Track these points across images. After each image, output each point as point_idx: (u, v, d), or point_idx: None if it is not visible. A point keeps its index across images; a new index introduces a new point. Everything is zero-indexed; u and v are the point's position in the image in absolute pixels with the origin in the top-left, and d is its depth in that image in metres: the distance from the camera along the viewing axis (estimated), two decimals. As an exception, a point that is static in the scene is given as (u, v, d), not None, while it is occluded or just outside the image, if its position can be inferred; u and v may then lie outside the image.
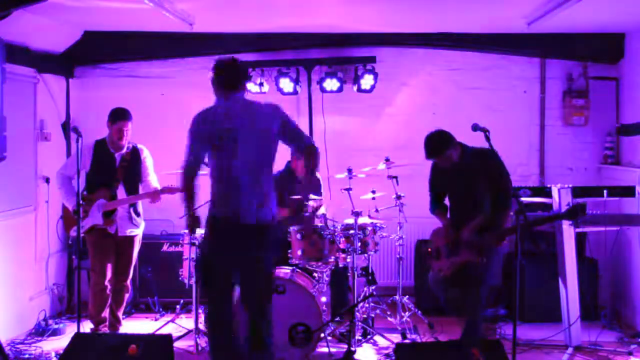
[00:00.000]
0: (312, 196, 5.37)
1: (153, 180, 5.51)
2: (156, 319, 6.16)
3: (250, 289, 4.04)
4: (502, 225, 4.53)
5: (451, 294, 4.77)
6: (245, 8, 5.60)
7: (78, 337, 4.80)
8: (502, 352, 4.41)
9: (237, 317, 4.06)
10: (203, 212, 4.10)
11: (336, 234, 5.29)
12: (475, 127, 4.66)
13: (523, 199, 5.40)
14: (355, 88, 6.65)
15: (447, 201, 4.96)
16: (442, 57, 6.87)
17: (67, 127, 6.55)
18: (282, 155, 5.85)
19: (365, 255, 5.61)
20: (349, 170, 5.70)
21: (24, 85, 5.90)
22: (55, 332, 5.74)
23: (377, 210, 5.81)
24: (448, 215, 4.86)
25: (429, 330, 5.77)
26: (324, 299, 5.23)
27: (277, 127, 4.01)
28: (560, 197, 5.39)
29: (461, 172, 4.60)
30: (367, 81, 6.49)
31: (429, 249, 6.19)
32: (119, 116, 5.33)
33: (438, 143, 4.55)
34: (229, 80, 4.02)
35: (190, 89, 6.53)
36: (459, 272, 4.66)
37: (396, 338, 5.41)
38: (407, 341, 5.40)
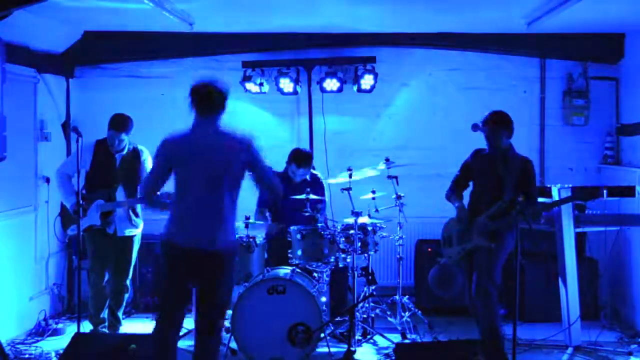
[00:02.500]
0: (312, 196, 5.38)
1: None
2: (156, 319, 6.15)
3: None
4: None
5: (464, 281, 4.91)
6: (245, 8, 5.59)
7: (78, 337, 4.81)
8: (502, 352, 4.41)
9: None
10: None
11: (336, 234, 5.29)
12: (476, 127, 4.67)
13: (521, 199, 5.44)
14: (355, 88, 6.64)
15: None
16: (442, 57, 6.86)
17: (67, 127, 6.54)
18: (281, 155, 5.89)
19: (365, 255, 5.61)
20: (349, 170, 5.70)
21: (24, 85, 5.90)
22: (55, 332, 5.73)
23: (377, 210, 5.81)
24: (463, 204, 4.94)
25: (429, 330, 5.76)
26: (324, 299, 5.23)
27: (241, 162, 3.89)
28: (560, 197, 5.38)
29: (499, 165, 4.67)
30: (367, 81, 6.48)
31: (429, 249, 6.23)
32: (112, 125, 5.30)
33: (505, 116, 4.69)
34: (202, 106, 3.93)
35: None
36: (469, 259, 4.79)
37: (396, 338, 5.41)
38: (407, 341, 5.40)
